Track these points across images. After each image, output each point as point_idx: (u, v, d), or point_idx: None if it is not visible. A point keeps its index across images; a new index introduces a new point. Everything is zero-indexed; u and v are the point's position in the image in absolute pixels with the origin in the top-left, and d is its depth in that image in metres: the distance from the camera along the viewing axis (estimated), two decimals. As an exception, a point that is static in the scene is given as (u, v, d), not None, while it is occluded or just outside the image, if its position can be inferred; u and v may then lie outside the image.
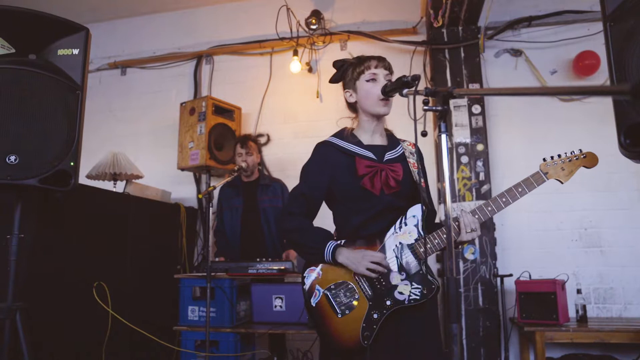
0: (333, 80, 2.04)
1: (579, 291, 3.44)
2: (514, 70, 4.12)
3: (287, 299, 3.12)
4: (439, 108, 1.37)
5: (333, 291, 1.72)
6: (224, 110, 4.25)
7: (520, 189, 1.73)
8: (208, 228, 3.20)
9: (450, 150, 3.88)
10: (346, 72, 1.95)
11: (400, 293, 1.69)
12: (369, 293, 1.71)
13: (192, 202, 4.52)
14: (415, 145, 1.82)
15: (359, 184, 1.79)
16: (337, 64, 2.00)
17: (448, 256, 1.34)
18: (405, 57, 4.27)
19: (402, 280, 1.71)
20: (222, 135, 4.16)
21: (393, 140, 1.97)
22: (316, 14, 4.40)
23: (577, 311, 3.40)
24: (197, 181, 4.63)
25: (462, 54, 4.02)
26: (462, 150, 3.89)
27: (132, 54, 5.01)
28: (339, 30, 4.49)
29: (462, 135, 3.91)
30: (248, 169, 3.70)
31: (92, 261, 3.00)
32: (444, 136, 1.37)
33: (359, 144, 1.89)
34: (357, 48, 4.46)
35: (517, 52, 4.12)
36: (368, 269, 1.68)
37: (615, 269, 3.71)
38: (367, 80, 1.86)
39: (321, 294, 1.72)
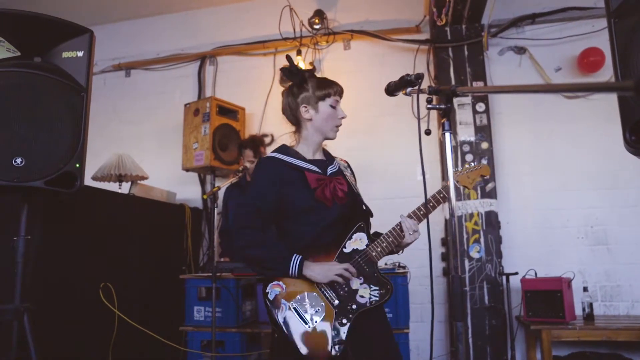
0: (290, 83, 1.98)
1: (585, 289, 3.42)
2: (518, 67, 4.10)
3: (293, 298, 3.12)
4: (443, 106, 1.37)
5: (298, 303, 1.73)
6: (228, 111, 4.26)
7: (441, 195, 1.91)
8: (213, 228, 3.21)
9: (454, 149, 3.88)
10: (305, 87, 1.93)
11: (362, 296, 1.77)
12: (334, 301, 1.76)
13: (197, 203, 4.53)
14: (345, 160, 2.05)
15: (313, 196, 1.83)
16: (291, 72, 1.93)
17: (453, 254, 1.34)
18: (409, 56, 4.26)
19: (361, 284, 1.79)
20: (226, 135, 4.17)
21: (329, 156, 2.06)
22: (319, 14, 4.40)
23: (583, 309, 3.38)
24: (202, 182, 4.64)
25: (466, 52, 4.01)
26: (466, 148, 3.88)
27: (136, 56, 5.03)
28: (342, 30, 4.48)
29: (466, 133, 3.90)
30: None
31: (98, 262, 3.01)
32: (447, 134, 1.37)
33: (303, 159, 1.92)
34: (360, 47, 4.47)
35: (521, 50, 4.10)
36: (337, 275, 1.74)
37: (622, 267, 3.69)
38: (331, 105, 1.92)
39: (287, 307, 1.72)
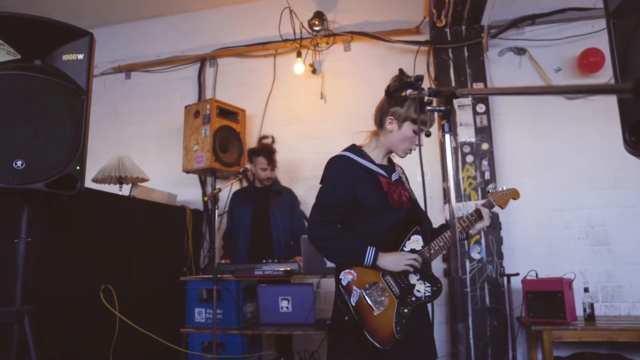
0: (393, 88, 1.82)
1: (586, 290, 3.42)
2: (518, 68, 4.10)
3: (294, 300, 3.13)
4: (442, 108, 1.37)
5: (368, 291, 1.90)
6: (229, 113, 4.26)
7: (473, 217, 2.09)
8: (214, 230, 3.21)
9: (455, 150, 3.88)
10: (403, 101, 1.95)
11: (418, 291, 1.96)
12: (396, 292, 1.93)
13: (197, 205, 4.53)
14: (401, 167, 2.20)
15: (385, 198, 1.98)
16: (402, 83, 1.71)
17: (453, 256, 1.34)
18: (409, 57, 4.26)
19: (417, 280, 1.97)
20: (226, 137, 4.17)
21: (392, 163, 2.19)
22: (319, 16, 4.41)
23: (584, 310, 3.38)
24: (203, 184, 4.65)
25: (466, 53, 4.02)
26: (467, 149, 3.88)
27: (136, 58, 5.03)
28: (342, 31, 4.49)
29: (466, 134, 3.90)
30: (269, 181, 3.85)
31: (99, 264, 3.01)
32: (447, 136, 1.37)
33: (372, 162, 2.05)
34: (360, 49, 4.47)
35: (521, 51, 4.10)
36: (406, 265, 1.92)
37: (623, 267, 3.69)
38: (414, 131, 1.99)
39: (358, 294, 1.88)
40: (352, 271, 1.93)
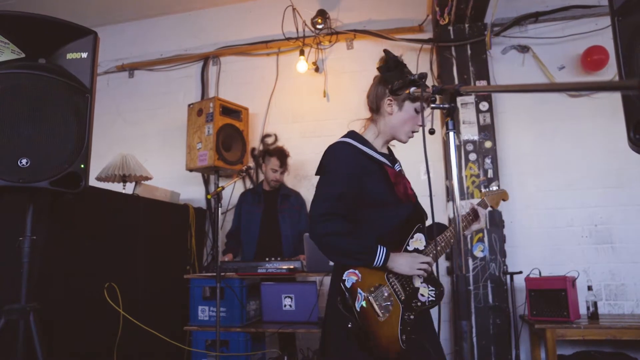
0: (384, 69, 1.86)
1: (589, 288, 3.41)
2: (521, 66, 4.09)
3: (297, 298, 3.13)
4: (446, 106, 1.37)
5: (373, 295, 1.71)
6: (232, 111, 4.27)
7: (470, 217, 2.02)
8: (217, 228, 3.22)
9: (458, 148, 3.87)
10: (398, 79, 1.73)
11: (422, 295, 1.79)
12: (401, 296, 1.76)
13: (200, 203, 4.54)
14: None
15: (392, 190, 1.82)
16: (391, 64, 1.80)
17: (457, 254, 1.34)
18: (412, 55, 4.25)
19: (421, 283, 1.81)
20: (229, 135, 4.18)
21: (392, 152, 2.04)
22: (322, 14, 4.40)
23: (588, 308, 3.37)
24: (206, 182, 4.66)
25: (469, 51, 4.01)
26: (470, 147, 3.87)
27: (139, 57, 5.04)
28: (345, 30, 4.49)
29: (469, 132, 3.89)
30: (277, 184, 3.88)
31: (102, 262, 3.03)
32: (451, 134, 1.37)
33: (375, 150, 1.89)
34: (363, 47, 4.47)
35: (524, 49, 4.09)
36: (419, 269, 1.76)
37: (626, 265, 3.68)
38: (416, 109, 1.87)
39: (364, 297, 1.70)
40: (357, 272, 1.72)
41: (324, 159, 1.86)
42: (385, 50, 1.86)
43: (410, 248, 1.83)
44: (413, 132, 1.92)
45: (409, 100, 1.85)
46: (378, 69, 1.79)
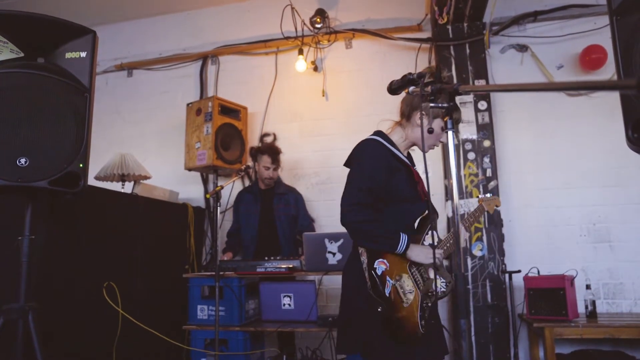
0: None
1: (588, 287, 3.42)
2: (520, 65, 4.10)
3: (296, 297, 3.13)
4: (445, 105, 1.38)
5: (398, 282, 1.90)
6: (230, 110, 4.27)
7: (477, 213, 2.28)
8: (216, 227, 3.22)
9: (456, 147, 3.87)
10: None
11: (436, 285, 2.00)
12: (420, 284, 1.95)
13: (199, 202, 4.54)
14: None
15: (416, 188, 2.02)
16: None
17: (455, 253, 1.35)
18: (411, 55, 4.26)
19: (435, 275, 2.01)
20: (228, 135, 4.18)
21: (410, 155, 2.19)
22: (321, 13, 4.40)
23: (586, 307, 3.38)
24: (205, 181, 4.66)
25: (468, 50, 4.01)
26: (468, 146, 3.88)
27: (138, 56, 5.04)
28: (344, 29, 4.48)
29: (468, 131, 3.90)
30: (271, 181, 3.87)
31: (101, 261, 3.02)
32: (450, 133, 1.38)
33: (401, 152, 2.06)
34: (362, 46, 4.47)
35: (522, 48, 4.10)
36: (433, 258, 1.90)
37: (624, 264, 3.69)
38: (443, 128, 1.99)
39: (391, 284, 1.89)
40: (386, 260, 1.92)
41: (355, 152, 2.03)
42: (437, 66, 1.93)
43: (425, 243, 2.03)
44: (434, 146, 2.10)
45: (439, 119, 2.00)
46: (412, 79, 1.69)
